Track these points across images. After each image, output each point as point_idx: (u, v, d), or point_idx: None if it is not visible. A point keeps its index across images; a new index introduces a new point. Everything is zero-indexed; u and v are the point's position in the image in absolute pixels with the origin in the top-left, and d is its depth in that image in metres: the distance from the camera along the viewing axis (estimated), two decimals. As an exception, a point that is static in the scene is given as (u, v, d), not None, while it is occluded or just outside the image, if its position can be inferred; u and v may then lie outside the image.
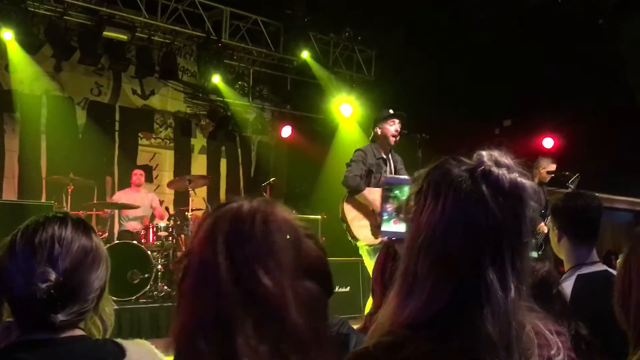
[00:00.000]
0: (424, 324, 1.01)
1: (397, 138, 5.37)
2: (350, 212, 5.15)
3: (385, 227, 1.51)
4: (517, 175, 1.03)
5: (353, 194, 5.16)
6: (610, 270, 2.56)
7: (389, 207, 1.52)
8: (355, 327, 1.94)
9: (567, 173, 6.19)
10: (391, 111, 5.40)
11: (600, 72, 7.53)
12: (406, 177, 1.60)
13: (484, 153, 1.05)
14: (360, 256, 5.35)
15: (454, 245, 1.01)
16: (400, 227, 1.50)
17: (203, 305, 0.98)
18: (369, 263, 5.09)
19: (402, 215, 1.46)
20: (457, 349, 0.99)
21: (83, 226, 1.50)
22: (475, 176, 1.02)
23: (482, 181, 1.02)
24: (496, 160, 1.04)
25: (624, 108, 7.52)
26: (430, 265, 1.01)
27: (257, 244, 1.00)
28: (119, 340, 1.43)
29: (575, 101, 7.74)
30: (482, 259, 1.00)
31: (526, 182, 1.03)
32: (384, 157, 5.42)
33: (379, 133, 5.41)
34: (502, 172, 1.02)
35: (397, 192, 1.54)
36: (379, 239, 4.48)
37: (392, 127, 5.34)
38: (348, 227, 5.12)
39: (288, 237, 1.03)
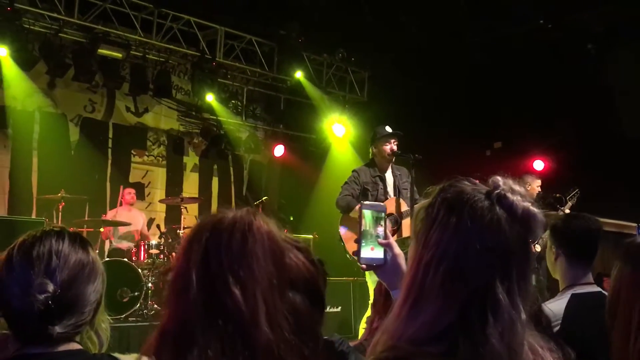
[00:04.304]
0: (428, 339, 1.01)
1: (392, 156, 5.43)
2: (346, 232, 5.25)
3: (364, 254, 1.51)
4: (529, 204, 1.07)
5: (345, 213, 5.25)
6: (604, 292, 2.57)
7: (367, 233, 1.51)
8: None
9: (557, 195, 6.23)
10: (388, 129, 5.43)
11: (590, 98, 7.63)
12: (381, 203, 1.61)
13: (499, 179, 1.09)
14: (352, 276, 5.39)
15: (466, 263, 1.02)
16: (378, 254, 1.51)
17: (171, 317, 0.98)
18: (369, 278, 5.20)
19: (380, 241, 1.50)
20: None
21: (80, 240, 1.52)
22: (491, 198, 1.06)
23: (497, 204, 1.05)
24: (511, 187, 1.08)
25: (613, 132, 7.62)
26: (441, 280, 1.02)
27: (233, 254, 0.99)
28: (116, 354, 1.44)
29: (566, 125, 7.83)
30: (493, 277, 1.02)
31: (537, 211, 1.07)
32: (380, 175, 5.47)
33: (375, 151, 5.49)
34: (517, 198, 1.06)
35: (372, 218, 1.52)
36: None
37: (388, 146, 5.40)
38: (344, 246, 5.22)
39: (267, 248, 1.01)
